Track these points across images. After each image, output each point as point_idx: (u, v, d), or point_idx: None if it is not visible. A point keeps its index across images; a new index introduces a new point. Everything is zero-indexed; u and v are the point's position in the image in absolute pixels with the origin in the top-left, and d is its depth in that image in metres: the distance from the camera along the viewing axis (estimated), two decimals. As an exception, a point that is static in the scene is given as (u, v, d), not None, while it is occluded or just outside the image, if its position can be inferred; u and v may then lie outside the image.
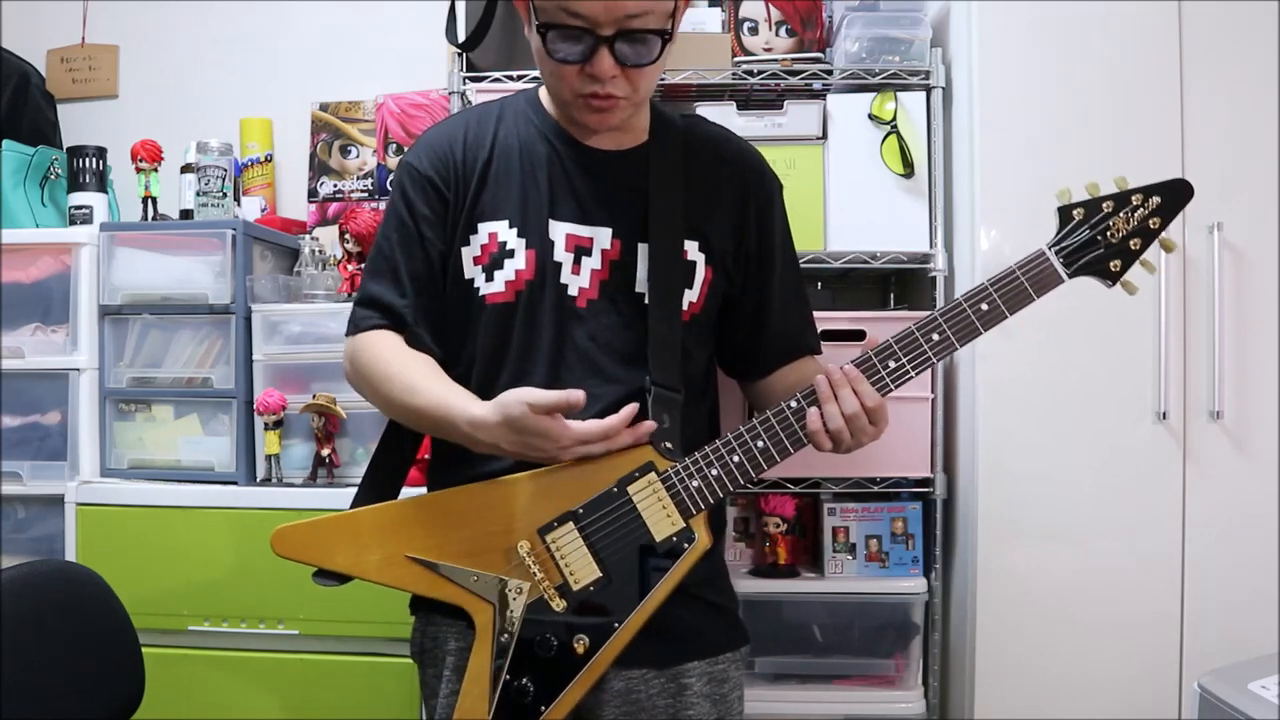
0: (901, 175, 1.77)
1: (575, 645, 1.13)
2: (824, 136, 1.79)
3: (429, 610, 1.26)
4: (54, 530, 1.84)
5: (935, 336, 1.14)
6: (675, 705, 1.21)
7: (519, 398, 1.09)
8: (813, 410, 1.14)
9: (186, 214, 2.01)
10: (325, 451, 1.81)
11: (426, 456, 1.36)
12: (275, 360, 1.85)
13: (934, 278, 1.76)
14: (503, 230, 1.22)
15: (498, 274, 1.21)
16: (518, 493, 1.16)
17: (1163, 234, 1.16)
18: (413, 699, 1.72)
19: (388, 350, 1.23)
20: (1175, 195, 1.15)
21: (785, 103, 1.79)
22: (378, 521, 1.20)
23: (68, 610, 1.33)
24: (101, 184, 2.02)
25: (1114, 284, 1.16)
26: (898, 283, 2.08)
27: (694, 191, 1.26)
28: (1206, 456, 1.63)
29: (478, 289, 1.22)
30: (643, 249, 1.22)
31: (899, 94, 1.77)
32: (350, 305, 1.80)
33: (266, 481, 1.83)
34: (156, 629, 1.72)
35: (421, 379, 1.19)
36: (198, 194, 1.95)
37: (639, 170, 1.25)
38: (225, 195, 1.96)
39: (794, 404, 1.15)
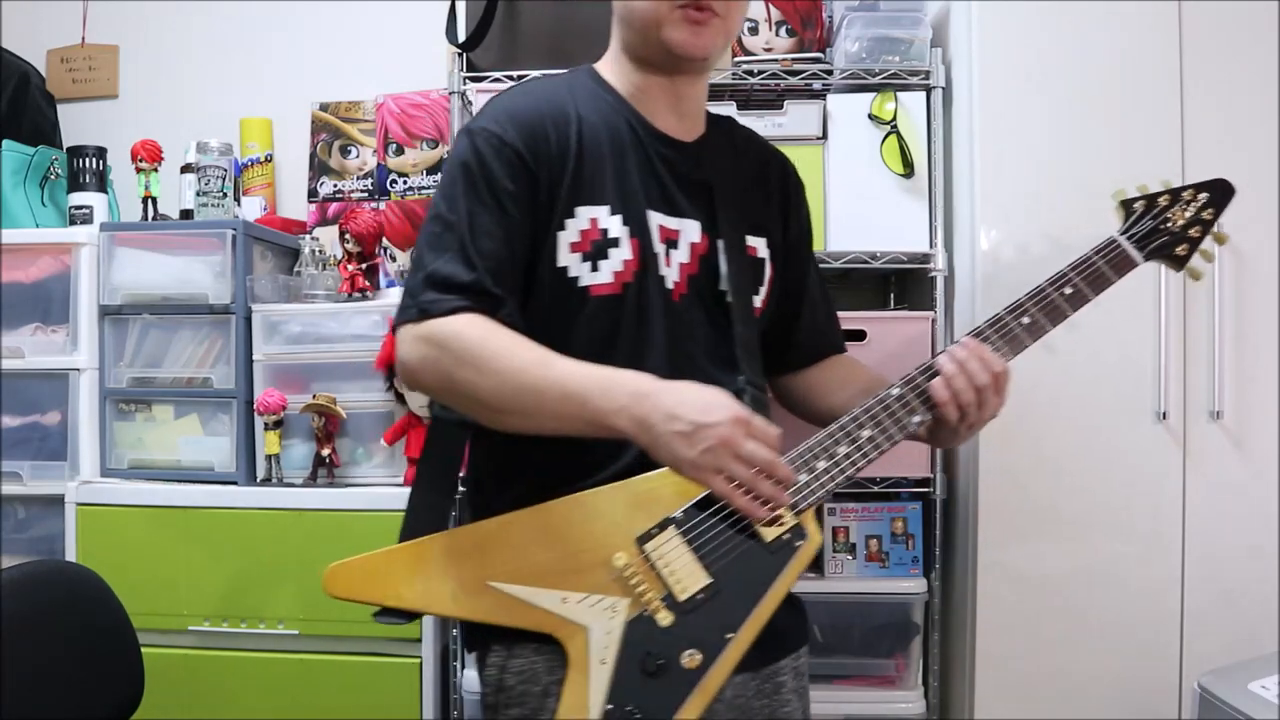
0: (901, 175, 1.77)
1: (686, 661, 1.02)
2: (824, 136, 1.79)
3: (513, 641, 1.09)
4: (54, 530, 1.84)
5: (1025, 320, 1.16)
6: (771, 705, 1.16)
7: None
8: (937, 381, 1.11)
9: (186, 214, 2.01)
10: (325, 451, 1.81)
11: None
12: (275, 360, 1.85)
13: (934, 278, 1.76)
14: (604, 216, 1.11)
15: (603, 264, 1.10)
16: (606, 505, 1.05)
17: (1215, 226, 1.22)
18: (413, 699, 1.72)
19: (488, 330, 1.05)
20: (1221, 192, 1.22)
21: (785, 103, 1.79)
22: (449, 548, 1.07)
23: (68, 610, 1.33)
24: (101, 184, 2.02)
25: (1180, 268, 1.22)
26: (898, 283, 2.08)
27: (749, 187, 1.24)
28: (1206, 456, 1.63)
29: (577, 278, 1.10)
30: (720, 244, 1.17)
31: (899, 94, 1.77)
32: (348, 303, 1.85)
33: (266, 481, 1.83)
34: (156, 629, 1.72)
35: (551, 354, 1.04)
36: (198, 194, 1.95)
37: (704, 162, 1.20)
38: (225, 195, 1.96)
39: (896, 390, 1.12)
